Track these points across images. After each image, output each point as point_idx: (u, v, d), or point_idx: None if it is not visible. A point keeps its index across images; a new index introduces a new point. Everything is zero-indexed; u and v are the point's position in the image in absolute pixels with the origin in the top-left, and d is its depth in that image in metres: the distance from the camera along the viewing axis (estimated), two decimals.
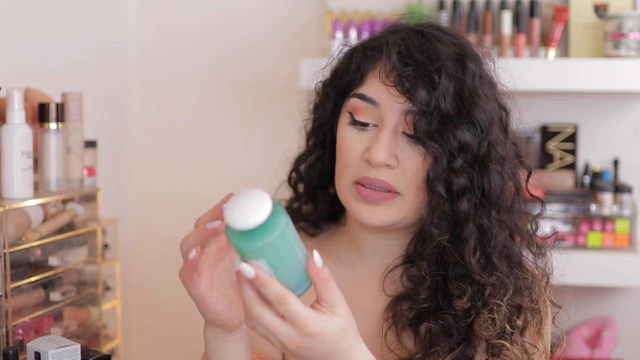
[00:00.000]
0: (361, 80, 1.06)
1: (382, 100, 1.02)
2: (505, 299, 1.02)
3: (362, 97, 1.04)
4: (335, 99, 1.11)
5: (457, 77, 1.01)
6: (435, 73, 1.00)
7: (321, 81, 1.14)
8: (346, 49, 1.12)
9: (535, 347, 1.04)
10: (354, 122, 1.05)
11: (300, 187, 1.21)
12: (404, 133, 1.02)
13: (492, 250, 1.03)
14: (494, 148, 1.03)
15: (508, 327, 1.02)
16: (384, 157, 1.01)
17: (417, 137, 1.01)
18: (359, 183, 1.04)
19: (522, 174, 1.10)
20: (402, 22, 1.12)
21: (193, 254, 0.87)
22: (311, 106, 1.17)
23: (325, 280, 0.84)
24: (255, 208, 0.79)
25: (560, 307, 1.09)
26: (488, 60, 1.08)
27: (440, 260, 1.03)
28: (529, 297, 1.05)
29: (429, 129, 1.00)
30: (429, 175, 1.01)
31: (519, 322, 1.03)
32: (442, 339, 1.02)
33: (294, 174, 1.21)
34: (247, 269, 0.81)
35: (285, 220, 0.81)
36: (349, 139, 1.05)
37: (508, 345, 1.01)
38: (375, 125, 1.04)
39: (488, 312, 1.01)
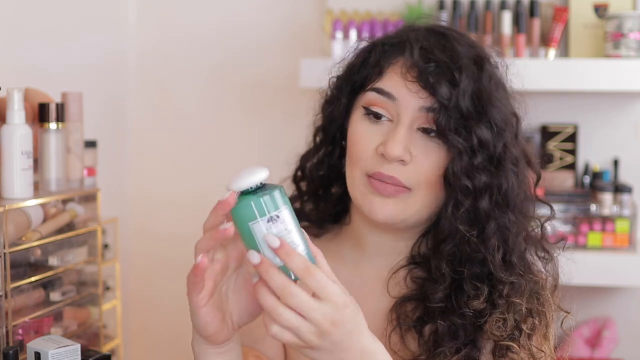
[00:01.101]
0: (379, 75, 1.06)
1: (400, 95, 1.03)
2: (524, 299, 1.02)
3: (380, 91, 1.04)
4: (349, 94, 1.11)
5: (475, 77, 1.02)
6: (457, 71, 1.01)
7: (335, 76, 1.14)
8: (362, 45, 1.12)
9: (542, 351, 1.04)
10: (368, 113, 1.05)
11: (304, 186, 1.21)
12: (418, 129, 1.03)
13: (512, 250, 1.04)
14: (509, 149, 1.04)
15: (518, 329, 1.02)
16: (400, 152, 1.01)
17: (439, 132, 1.01)
18: (371, 177, 1.04)
19: (532, 178, 1.10)
20: (415, 24, 1.13)
21: (199, 258, 0.86)
22: (322, 102, 1.16)
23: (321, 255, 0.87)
24: (254, 172, 0.85)
25: (568, 313, 1.09)
26: (501, 66, 1.10)
27: (458, 259, 1.03)
28: (537, 301, 1.05)
29: (450, 124, 1.01)
30: (451, 170, 1.01)
31: (527, 326, 1.03)
32: (447, 340, 1.01)
33: (299, 172, 1.21)
34: (272, 239, 0.83)
35: (281, 190, 0.86)
36: (362, 132, 1.06)
37: (516, 346, 1.01)
38: (390, 120, 1.04)
39: (500, 313, 1.01)
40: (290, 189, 1.24)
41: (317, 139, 1.18)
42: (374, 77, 1.06)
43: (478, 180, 1.01)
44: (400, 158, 1.01)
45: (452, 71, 1.01)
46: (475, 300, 1.01)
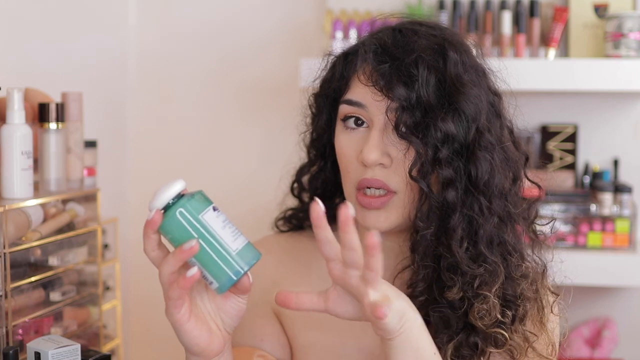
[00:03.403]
0: (347, 86, 1.07)
1: (367, 101, 1.03)
2: (493, 290, 1.01)
3: (350, 102, 1.05)
4: (329, 108, 1.12)
5: (437, 67, 1.01)
6: (413, 66, 1.00)
7: (313, 94, 1.15)
8: (331, 58, 1.13)
9: (536, 335, 1.04)
10: (345, 124, 1.06)
11: (305, 197, 1.22)
12: (394, 129, 1.02)
13: (480, 240, 1.02)
14: (482, 135, 1.02)
15: (506, 315, 1.02)
16: (376, 157, 1.01)
17: (399, 132, 1.01)
18: (359, 188, 1.04)
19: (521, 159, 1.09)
20: (385, 24, 1.13)
21: (194, 270, 0.88)
22: (307, 119, 1.18)
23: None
24: (170, 186, 0.89)
25: (558, 295, 1.09)
26: (474, 49, 1.08)
27: (432, 252, 1.03)
28: (527, 285, 1.05)
29: (412, 123, 1.00)
30: (411, 169, 1.01)
31: (519, 310, 1.03)
32: (441, 330, 1.02)
33: (296, 185, 1.22)
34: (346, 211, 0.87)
35: (202, 196, 0.89)
36: (343, 144, 1.07)
37: (506, 335, 1.01)
38: (367, 127, 1.05)
39: (480, 303, 1.01)
40: (292, 202, 1.25)
41: (310, 154, 1.19)
42: (343, 89, 1.07)
43: (441, 176, 1.01)
44: (377, 162, 1.02)
45: (408, 67, 1.00)
46: (449, 291, 1.01)
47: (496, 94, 1.08)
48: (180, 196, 0.89)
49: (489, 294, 1.01)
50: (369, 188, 1.04)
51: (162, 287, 0.91)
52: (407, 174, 1.02)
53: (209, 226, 0.88)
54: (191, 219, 0.88)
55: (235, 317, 0.95)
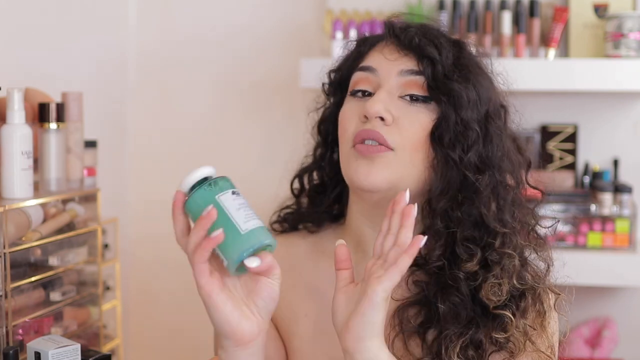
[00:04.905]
0: (361, 60, 1.10)
1: (380, 65, 1.06)
2: (517, 251, 1.03)
3: (361, 68, 1.08)
4: (341, 93, 1.13)
5: (454, 53, 1.06)
6: (433, 44, 1.05)
7: (330, 70, 1.17)
8: (350, 44, 1.16)
9: (535, 329, 1.04)
10: (354, 93, 1.08)
11: (304, 200, 1.22)
12: (401, 97, 1.05)
13: (503, 208, 1.05)
14: (493, 119, 1.06)
15: (513, 298, 1.02)
16: (379, 108, 1.02)
17: (415, 96, 1.04)
18: (355, 143, 1.05)
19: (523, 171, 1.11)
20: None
21: (219, 231, 0.90)
22: (319, 112, 1.18)
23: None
24: (196, 170, 0.97)
25: (559, 294, 1.09)
26: (485, 60, 1.11)
27: (451, 217, 1.04)
28: (530, 278, 1.05)
29: (428, 89, 1.04)
30: (436, 129, 1.03)
31: (522, 300, 1.03)
32: (450, 322, 1.01)
33: (296, 181, 1.22)
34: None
35: (225, 181, 0.96)
36: (348, 109, 1.08)
37: (511, 317, 1.01)
38: (374, 92, 1.07)
39: (494, 277, 1.02)
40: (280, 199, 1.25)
41: (317, 147, 1.20)
42: (356, 67, 1.10)
43: (462, 137, 1.03)
44: (379, 114, 1.02)
45: (431, 40, 1.05)
46: (468, 262, 1.01)
47: (502, 105, 1.10)
48: (204, 179, 0.96)
49: (513, 252, 1.03)
50: (366, 141, 1.05)
51: (190, 262, 0.92)
52: (409, 136, 1.03)
53: (223, 206, 0.92)
54: (208, 198, 0.93)
55: (268, 299, 0.95)
